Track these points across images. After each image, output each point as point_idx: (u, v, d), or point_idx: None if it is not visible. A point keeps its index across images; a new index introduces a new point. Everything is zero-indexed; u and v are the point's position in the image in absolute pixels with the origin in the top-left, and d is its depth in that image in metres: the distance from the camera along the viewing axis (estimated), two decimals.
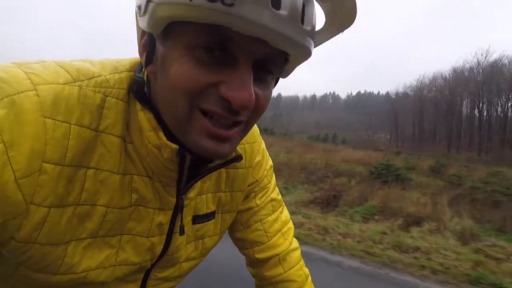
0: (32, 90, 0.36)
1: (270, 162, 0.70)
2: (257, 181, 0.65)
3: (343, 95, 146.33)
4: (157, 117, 0.42)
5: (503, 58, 50.24)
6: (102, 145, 0.41)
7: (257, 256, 0.66)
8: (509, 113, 49.73)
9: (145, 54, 0.40)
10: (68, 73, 0.40)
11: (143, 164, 0.45)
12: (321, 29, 0.43)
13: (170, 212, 0.50)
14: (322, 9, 0.41)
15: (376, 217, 4.66)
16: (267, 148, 0.69)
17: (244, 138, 0.47)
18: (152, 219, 0.48)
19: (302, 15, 0.35)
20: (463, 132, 53.43)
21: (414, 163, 10.58)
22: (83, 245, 0.43)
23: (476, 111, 52.67)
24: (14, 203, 0.34)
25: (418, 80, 67.74)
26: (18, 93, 0.35)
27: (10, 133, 0.33)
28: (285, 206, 0.73)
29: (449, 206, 5.00)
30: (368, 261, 3.23)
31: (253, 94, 0.36)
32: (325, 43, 0.46)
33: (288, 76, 0.46)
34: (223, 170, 0.56)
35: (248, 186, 0.63)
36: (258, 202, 0.66)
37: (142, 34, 0.42)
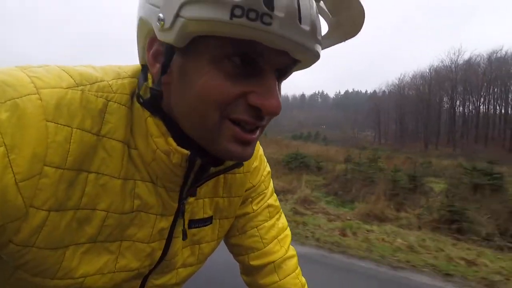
0: (35, 94, 0.36)
1: (268, 168, 0.70)
2: (254, 186, 0.65)
3: (331, 94, 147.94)
4: (166, 124, 0.42)
5: (476, 57, 52.66)
6: (103, 150, 0.41)
7: (252, 263, 0.65)
8: (481, 110, 52.43)
9: (157, 65, 0.41)
10: (71, 77, 0.40)
11: (148, 169, 0.45)
12: (324, 35, 0.45)
13: (171, 218, 0.50)
14: (326, 20, 0.44)
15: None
16: None
17: None
18: (153, 225, 0.48)
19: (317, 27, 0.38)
20: (441, 129, 55.34)
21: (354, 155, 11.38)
22: (82, 250, 0.42)
23: (451, 110, 54.96)
24: (13, 206, 0.34)
25: (399, 78, 69.83)
26: (21, 97, 0.35)
27: (12, 136, 0.33)
28: (282, 213, 0.73)
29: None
30: None
31: (280, 101, 0.39)
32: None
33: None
34: (220, 175, 0.54)
35: (245, 191, 0.63)
36: (254, 207, 0.66)
37: (149, 43, 0.42)
